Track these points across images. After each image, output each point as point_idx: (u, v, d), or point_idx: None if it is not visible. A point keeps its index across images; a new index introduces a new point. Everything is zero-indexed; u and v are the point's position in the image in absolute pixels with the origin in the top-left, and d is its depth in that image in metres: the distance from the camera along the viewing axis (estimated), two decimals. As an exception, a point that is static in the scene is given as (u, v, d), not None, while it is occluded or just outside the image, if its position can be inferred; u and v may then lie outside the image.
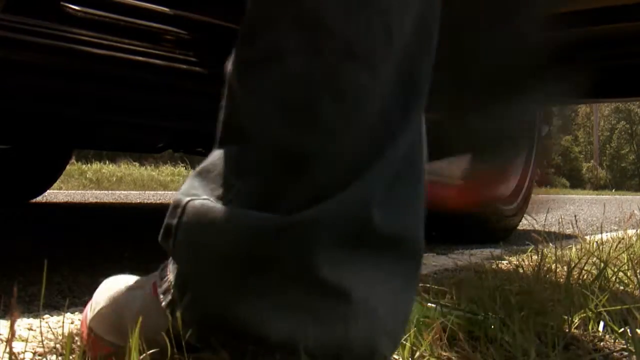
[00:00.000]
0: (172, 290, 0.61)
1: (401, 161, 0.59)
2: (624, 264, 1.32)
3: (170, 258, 0.64)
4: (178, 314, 0.60)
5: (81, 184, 7.15)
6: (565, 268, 1.27)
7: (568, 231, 2.53)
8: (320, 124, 0.55)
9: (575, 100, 2.30)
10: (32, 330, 0.81)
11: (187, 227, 0.60)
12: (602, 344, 0.87)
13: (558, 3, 1.10)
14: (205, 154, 2.47)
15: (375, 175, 0.56)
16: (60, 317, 0.89)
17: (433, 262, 1.68)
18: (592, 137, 40.11)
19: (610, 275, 1.20)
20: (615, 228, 2.82)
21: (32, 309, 0.99)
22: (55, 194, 4.72)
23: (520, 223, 2.75)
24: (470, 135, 0.99)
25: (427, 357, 0.75)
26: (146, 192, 6.66)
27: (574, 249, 1.58)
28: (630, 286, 1.20)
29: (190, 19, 1.40)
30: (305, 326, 0.55)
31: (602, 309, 0.93)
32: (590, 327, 0.92)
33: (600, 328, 0.91)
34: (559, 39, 1.73)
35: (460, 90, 0.94)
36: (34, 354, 0.74)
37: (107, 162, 9.87)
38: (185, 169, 10.43)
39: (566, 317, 0.91)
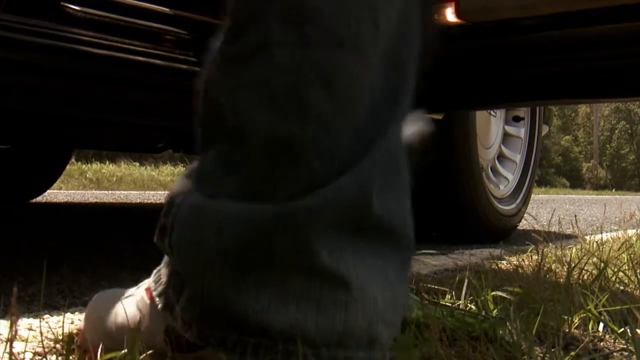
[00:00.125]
0: (168, 292, 0.61)
1: (391, 151, 0.59)
2: (624, 264, 1.32)
3: (163, 262, 0.64)
4: (177, 314, 0.60)
5: (81, 184, 7.15)
6: (565, 268, 1.27)
7: (568, 231, 2.53)
8: (311, 111, 0.55)
9: (574, 101, 2.30)
10: (32, 330, 0.81)
11: (182, 225, 0.60)
12: (602, 344, 0.87)
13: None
14: (205, 154, 2.39)
15: (370, 163, 0.56)
16: (60, 317, 0.89)
17: (433, 262, 1.68)
18: (592, 137, 40.10)
19: (610, 275, 1.20)
20: (616, 228, 2.82)
21: (32, 309, 0.99)
22: (55, 194, 4.72)
23: (520, 223, 2.75)
24: None
25: (428, 357, 0.75)
26: (146, 192, 6.66)
27: (574, 249, 1.58)
28: (631, 286, 1.20)
29: (190, 19, 1.40)
30: (306, 314, 0.55)
31: (602, 309, 0.93)
32: (590, 327, 0.92)
33: (600, 328, 0.91)
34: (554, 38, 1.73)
35: None
36: (34, 354, 0.74)
37: (107, 162, 9.86)
38: (185, 169, 10.42)
39: (566, 317, 0.91)
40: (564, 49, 1.76)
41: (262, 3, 0.57)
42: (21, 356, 0.72)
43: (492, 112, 2.66)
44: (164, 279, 0.63)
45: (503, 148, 2.75)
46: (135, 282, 1.25)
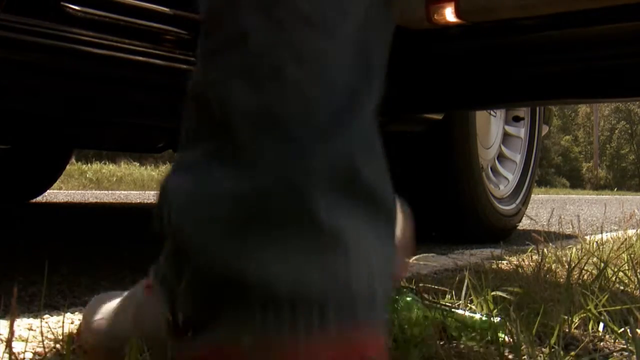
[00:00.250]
0: (168, 278, 0.62)
1: (367, 130, 0.62)
2: (624, 264, 1.32)
3: (160, 257, 0.65)
4: (178, 298, 0.60)
5: (81, 184, 7.15)
6: (565, 268, 1.27)
7: (568, 231, 2.53)
8: (289, 85, 0.58)
9: (574, 101, 2.30)
10: (32, 330, 0.81)
11: (179, 205, 0.60)
12: (602, 344, 0.87)
13: None
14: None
15: (353, 131, 0.60)
16: (60, 317, 0.89)
17: (433, 262, 1.68)
18: (592, 137, 40.11)
19: (610, 275, 1.20)
20: (616, 228, 2.82)
21: (32, 309, 0.99)
22: (55, 194, 4.72)
23: (520, 223, 2.75)
24: None
25: (428, 357, 0.75)
26: (146, 192, 6.66)
27: (574, 249, 1.58)
28: (631, 286, 1.20)
29: (190, 19, 1.40)
30: (310, 271, 0.56)
31: (602, 309, 0.93)
32: (590, 327, 0.92)
33: (600, 328, 0.91)
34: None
35: None
36: (34, 354, 0.74)
37: (107, 162, 9.87)
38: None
39: (566, 317, 0.91)
40: (564, 49, 1.76)
41: None
42: (21, 356, 0.72)
43: (492, 112, 2.66)
44: (162, 269, 0.63)
45: (503, 148, 2.75)
46: (135, 282, 1.25)
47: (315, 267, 0.56)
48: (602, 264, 1.20)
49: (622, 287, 1.19)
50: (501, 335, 0.81)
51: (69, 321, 0.90)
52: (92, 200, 4.50)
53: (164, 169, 10.16)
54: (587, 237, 1.83)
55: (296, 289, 0.55)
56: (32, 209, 3.31)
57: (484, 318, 0.85)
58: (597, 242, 1.67)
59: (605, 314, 0.92)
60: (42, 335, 0.77)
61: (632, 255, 1.43)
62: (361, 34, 0.62)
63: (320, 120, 0.58)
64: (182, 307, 0.60)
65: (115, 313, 0.71)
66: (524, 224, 2.89)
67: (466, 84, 1.94)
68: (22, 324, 0.87)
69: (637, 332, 0.83)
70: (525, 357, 0.74)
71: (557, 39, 1.73)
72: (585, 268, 1.24)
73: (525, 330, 0.79)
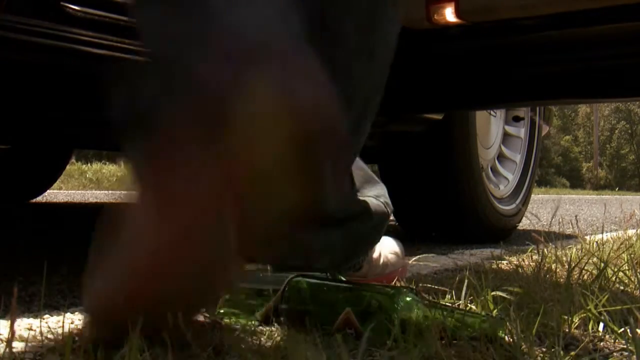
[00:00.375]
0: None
1: None
2: (624, 264, 1.32)
3: None
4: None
5: (81, 184, 7.15)
6: (565, 268, 1.27)
7: (568, 231, 2.53)
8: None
9: (574, 101, 2.30)
10: (32, 330, 0.81)
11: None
12: (602, 344, 0.87)
13: None
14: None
15: None
16: (60, 317, 0.89)
17: (433, 262, 1.68)
18: (592, 137, 40.11)
19: (610, 275, 1.20)
20: (616, 228, 2.82)
21: (32, 309, 0.99)
22: (55, 194, 4.72)
23: (520, 223, 2.75)
24: None
25: (428, 357, 0.75)
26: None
27: (574, 249, 1.58)
28: (631, 286, 1.20)
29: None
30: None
31: (602, 309, 0.93)
32: (590, 327, 0.92)
33: (600, 328, 0.91)
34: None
35: None
36: (34, 354, 0.74)
37: (107, 162, 9.87)
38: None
39: (566, 317, 0.91)
40: (564, 49, 1.76)
41: None
42: (21, 356, 0.72)
43: (492, 112, 2.66)
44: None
45: (503, 148, 2.75)
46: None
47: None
48: (602, 264, 1.21)
49: (622, 287, 1.19)
50: (501, 335, 0.81)
51: (69, 321, 0.90)
52: (92, 200, 4.50)
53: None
54: (587, 237, 1.83)
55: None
56: (32, 209, 3.31)
57: (484, 318, 0.85)
58: (597, 242, 1.67)
59: (605, 314, 0.92)
60: (42, 335, 0.77)
61: (632, 255, 1.43)
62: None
63: None
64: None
65: None
66: (524, 224, 2.90)
67: (466, 84, 1.94)
68: (22, 324, 0.87)
69: (637, 332, 0.84)
70: (525, 357, 0.74)
71: (557, 39, 1.73)
72: (585, 268, 1.24)
73: (525, 330, 0.79)
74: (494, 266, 1.52)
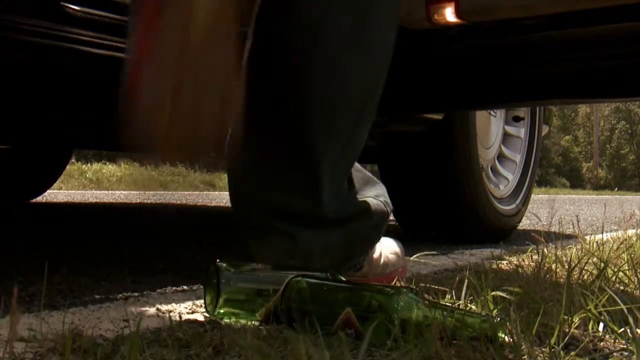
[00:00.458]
0: None
1: None
2: (624, 264, 1.32)
3: None
4: None
5: (81, 184, 7.15)
6: (565, 268, 1.27)
7: (568, 231, 2.53)
8: None
9: (574, 101, 2.30)
10: (32, 330, 0.81)
11: None
12: (602, 344, 0.87)
13: None
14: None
15: None
16: (60, 317, 0.89)
17: (433, 262, 1.68)
18: (592, 137, 40.10)
19: (610, 275, 1.20)
20: (616, 228, 2.82)
21: (32, 309, 0.99)
22: (55, 194, 4.73)
23: (520, 223, 2.75)
24: None
25: (428, 357, 0.75)
26: (146, 192, 6.66)
27: (574, 249, 1.58)
28: (631, 286, 1.20)
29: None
30: None
31: (602, 309, 0.93)
32: (590, 327, 0.92)
33: (600, 328, 0.91)
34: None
35: None
36: (35, 354, 0.74)
37: (107, 162, 9.87)
38: (185, 169, 10.44)
39: (566, 317, 0.91)
40: (564, 49, 1.76)
41: None
42: (21, 356, 0.72)
43: (492, 112, 2.66)
44: None
45: (503, 148, 2.75)
46: (135, 282, 1.25)
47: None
48: (602, 264, 1.21)
49: (622, 287, 1.19)
50: (501, 335, 0.81)
51: (69, 321, 0.90)
52: (92, 200, 4.50)
53: (164, 169, 10.16)
54: (587, 237, 1.83)
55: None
56: (32, 209, 3.31)
57: (484, 318, 0.85)
58: (597, 242, 1.67)
59: (605, 314, 0.92)
60: (42, 335, 0.77)
61: (632, 255, 1.43)
62: None
63: None
64: None
65: None
66: (524, 224, 2.90)
67: (466, 84, 1.94)
68: (22, 324, 0.87)
69: (637, 332, 0.84)
70: (525, 357, 0.74)
71: (557, 39, 1.73)
72: (585, 268, 1.24)
73: (525, 330, 0.79)
74: (494, 266, 1.52)
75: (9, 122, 1.90)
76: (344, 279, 1.04)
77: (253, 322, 0.92)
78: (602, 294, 0.97)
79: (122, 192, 6.39)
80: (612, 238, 1.87)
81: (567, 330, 0.88)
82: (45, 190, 3.63)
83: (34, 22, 1.17)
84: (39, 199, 3.70)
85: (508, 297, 1.01)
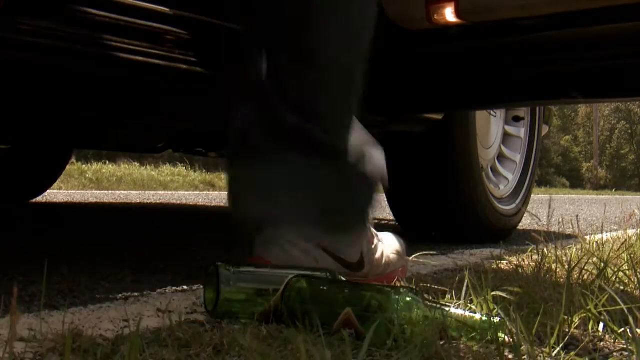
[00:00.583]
0: None
1: None
2: (624, 264, 1.32)
3: None
4: None
5: (81, 184, 7.15)
6: (565, 268, 1.27)
7: (568, 231, 2.53)
8: None
9: (574, 101, 2.31)
10: (32, 330, 0.81)
11: None
12: (602, 344, 0.87)
13: None
14: (205, 154, 2.51)
15: None
16: (60, 317, 0.89)
17: (433, 262, 1.68)
18: (592, 137, 40.11)
19: (610, 275, 1.20)
20: (616, 228, 2.82)
21: (32, 309, 0.99)
22: (55, 194, 4.73)
23: (520, 223, 2.75)
24: None
25: (428, 357, 0.75)
26: (146, 192, 6.66)
27: (574, 249, 1.58)
28: (631, 286, 1.20)
29: (190, 19, 1.40)
30: None
31: (602, 309, 0.93)
32: (590, 327, 0.92)
33: (600, 328, 0.91)
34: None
35: None
36: (35, 354, 0.74)
37: (107, 162, 9.87)
38: (185, 169, 10.43)
39: (566, 317, 0.91)
40: (564, 49, 1.76)
41: None
42: (22, 356, 0.73)
43: (492, 112, 2.66)
44: None
45: (503, 148, 2.75)
46: (135, 282, 1.25)
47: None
48: (602, 264, 1.21)
49: (622, 287, 1.19)
50: (501, 335, 0.81)
51: (69, 321, 0.90)
52: (92, 200, 4.51)
53: (164, 169, 10.16)
54: (587, 237, 1.83)
55: None
56: (32, 209, 3.31)
57: (484, 318, 0.85)
58: (597, 242, 1.67)
59: (605, 314, 0.92)
60: (42, 335, 0.77)
61: (632, 255, 1.43)
62: None
63: None
64: None
65: None
66: (524, 224, 2.90)
67: (466, 84, 1.94)
68: (22, 324, 0.87)
69: (637, 332, 0.84)
70: (525, 357, 0.74)
71: (557, 39, 1.73)
72: (585, 268, 1.24)
73: (525, 330, 0.79)
74: (494, 266, 1.52)
75: (9, 122, 1.90)
76: (344, 279, 1.04)
77: (253, 322, 0.92)
78: (602, 294, 0.97)
79: (122, 192, 6.39)
80: (612, 238, 1.87)
81: (567, 330, 0.88)
82: (45, 190, 3.63)
83: (34, 22, 1.17)
84: (39, 199, 3.70)
85: (508, 297, 1.01)
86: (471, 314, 0.86)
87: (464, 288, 1.06)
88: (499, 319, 0.84)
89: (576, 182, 36.66)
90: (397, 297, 0.84)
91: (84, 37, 1.24)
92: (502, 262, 1.57)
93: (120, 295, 1.14)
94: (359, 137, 1.21)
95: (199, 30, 1.42)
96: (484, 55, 1.84)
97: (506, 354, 0.77)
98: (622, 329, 0.87)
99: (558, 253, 1.44)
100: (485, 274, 1.16)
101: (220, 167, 8.93)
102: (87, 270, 1.38)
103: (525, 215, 2.73)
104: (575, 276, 1.18)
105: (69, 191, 5.83)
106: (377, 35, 1.19)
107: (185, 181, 9.12)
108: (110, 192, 6.23)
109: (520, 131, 2.83)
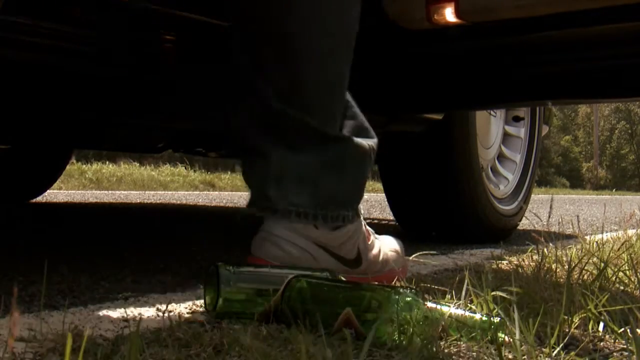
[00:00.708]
0: None
1: None
2: (624, 264, 1.32)
3: None
4: None
5: (81, 184, 7.14)
6: (565, 268, 1.27)
7: (568, 231, 2.53)
8: None
9: (574, 101, 2.30)
10: (32, 330, 0.81)
11: None
12: (602, 344, 0.87)
13: None
14: (205, 154, 2.52)
15: None
16: (60, 317, 0.89)
17: (433, 262, 1.68)
18: (592, 137, 40.10)
19: (610, 275, 1.20)
20: (616, 228, 2.82)
21: (32, 309, 0.99)
22: (55, 194, 4.73)
23: (520, 223, 2.75)
24: None
25: (428, 357, 0.75)
26: (146, 192, 6.66)
27: (574, 249, 1.58)
28: (631, 286, 1.20)
29: (189, 19, 1.40)
30: None
31: (602, 309, 0.93)
32: (590, 327, 0.92)
33: (600, 328, 0.91)
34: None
35: None
36: (34, 354, 0.74)
37: (107, 162, 9.86)
38: (185, 169, 10.43)
39: (566, 317, 0.91)
40: (564, 49, 1.76)
41: None
42: (21, 356, 0.72)
43: (492, 112, 2.66)
44: None
45: (503, 148, 2.75)
46: (135, 282, 1.25)
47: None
48: (602, 264, 1.21)
49: (622, 287, 1.19)
50: (501, 335, 0.81)
51: (69, 321, 0.90)
52: (92, 200, 4.50)
53: (164, 169, 10.16)
54: (587, 237, 1.83)
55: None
56: (32, 209, 3.31)
57: (484, 318, 0.85)
58: (597, 242, 1.67)
59: (605, 314, 0.92)
60: (42, 335, 0.77)
61: (632, 255, 1.43)
62: None
63: None
64: None
65: None
66: (524, 224, 2.90)
67: (466, 84, 1.94)
68: (22, 324, 0.87)
69: (637, 332, 0.84)
70: (525, 357, 0.74)
71: (557, 39, 1.73)
72: (585, 268, 1.24)
73: (525, 330, 0.79)
74: (494, 266, 1.52)
75: (9, 122, 1.90)
76: (344, 279, 1.04)
77: (253, 322, 0.92)
78: (602, 294, 0.97)
79: (122, 192, 6.38)
80: (612, 238, 1.87)
81: (567, 330, 0.88)
82: (45, 190, 3.63)
83: (34, 22, 1.17)
84: (39, 199, 3.70)
85: (508, 297, 1.01)
86: (471, 314, 0.86)
87: (464, 288, 1.06)
88: (499, 319, 0.84)
89: (576, 182, 36.65)
90: (397, 297, 0.84)
91: (84, 37, 1.24)
92: (502, 262, 1.57)
93: (120, 295, 1.14)
94: (350, 123, 1.22)
95: (198, 30, 1.42)
96: (484, 55, 1.84)
97: (506, 354, 0.77)
98: (622, 329, 0.87)
99: (558, 253, 1.44)
100: (485, 274, 1.16)
101: (220, 167, 8.93)
102: (87, 270, 1.38)
103: (525, 215, 2.73)
104: (575, 276, 1.18)
105: (69, 191, 5.83)
106: (376, 35, 1.19)
107: (185, 181, 9.11)
108: (110, 192, 6.23)
109: (520, 131, 2.83)
